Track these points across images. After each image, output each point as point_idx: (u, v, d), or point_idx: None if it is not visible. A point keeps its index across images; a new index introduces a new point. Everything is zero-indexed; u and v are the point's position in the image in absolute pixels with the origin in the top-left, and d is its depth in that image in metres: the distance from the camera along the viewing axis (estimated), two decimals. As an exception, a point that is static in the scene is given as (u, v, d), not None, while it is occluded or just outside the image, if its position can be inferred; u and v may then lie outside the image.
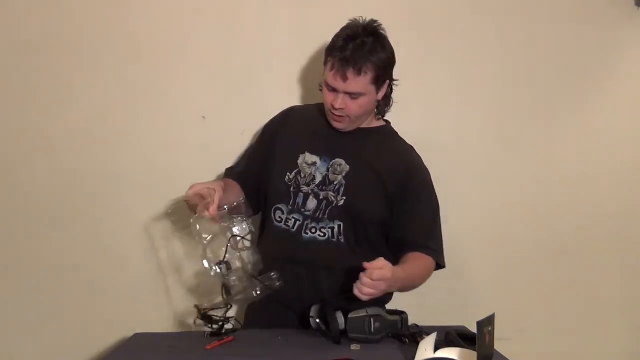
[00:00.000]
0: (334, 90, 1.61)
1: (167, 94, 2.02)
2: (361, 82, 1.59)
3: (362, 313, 1.43)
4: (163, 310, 1.98)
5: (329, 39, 1.72)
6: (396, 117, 2.01)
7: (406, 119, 2.04)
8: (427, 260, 1.64)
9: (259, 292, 1.44)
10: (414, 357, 1.22)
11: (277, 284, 1.46)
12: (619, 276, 2.09)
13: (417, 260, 1.61)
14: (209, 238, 1.47)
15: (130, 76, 2.01)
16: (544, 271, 2.07)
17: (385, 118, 1.80)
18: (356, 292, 1.38)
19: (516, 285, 2.06)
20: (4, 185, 2.02)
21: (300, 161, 1.68)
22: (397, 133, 1.80)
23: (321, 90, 1.70)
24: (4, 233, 2.02)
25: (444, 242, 1.72)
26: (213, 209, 1.45)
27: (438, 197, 1.87)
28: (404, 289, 1.60)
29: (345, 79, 1.58)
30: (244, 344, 1.48)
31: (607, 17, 2.06)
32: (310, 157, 1.68)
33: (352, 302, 1.44)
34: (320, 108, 1.76)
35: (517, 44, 2.06)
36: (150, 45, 2.01)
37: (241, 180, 1.75)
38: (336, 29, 1.75)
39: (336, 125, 1.68)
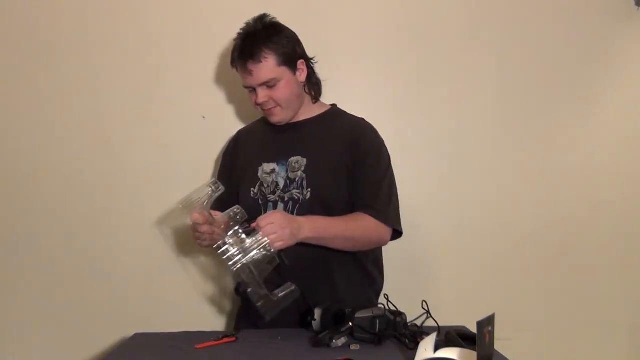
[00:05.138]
0: (251, 90, 1.66)
1: (167, 94, 2.02)
2: (266, 69, 1.62)
3: (368, 313, 1.42)
4: (163, 310, 1.99)
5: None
6: (396, 117, 2.03)
7: (406, 119, 2.05)
8: (366, 219, 1.60)
9: (276, 300, 1.42)
10: (414, 357, 1.22)
11: (293, 289, 1.44)
12: (619, 276, 2.09)
13: (353, 216, 1.60)
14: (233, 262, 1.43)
15: (131, 76, 2.02)
16: (545, 271, 2.07)
17: (361, 107, 1.81)
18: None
19: (516, 285, 2.06)
20: (5, 185, 2.02)
21: (260, 173, 1.69)
22: (345, 112, 1.80)
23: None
24: (4, 233, 2.02)
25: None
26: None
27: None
28: (331, 238, 1.57)
29: (250, 72, 1.62)
30: (243, 344, 1.47)
31: (607, 17, 2.07)
32: (267, 166, 1.70)
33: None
34: (262, 121, 1.81)
35: (517, 44, 2.06)
36: (150, 45, 2.02)
37: (221, 208, 1.75)
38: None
39: (273, 119, 1.70)
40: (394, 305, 1.49)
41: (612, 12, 2.06)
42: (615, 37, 2.07)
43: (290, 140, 1.71)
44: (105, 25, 2.02)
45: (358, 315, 1.42)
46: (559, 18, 2.07)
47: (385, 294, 1.56)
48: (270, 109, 1.67)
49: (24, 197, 2.02)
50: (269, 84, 1.63)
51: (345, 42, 2.02)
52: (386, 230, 1.65)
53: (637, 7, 2.06)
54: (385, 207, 1.65)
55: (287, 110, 1.69)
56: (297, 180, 1.64)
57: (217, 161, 1.98)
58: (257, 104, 1.68)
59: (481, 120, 2.06)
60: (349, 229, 1.60)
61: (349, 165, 1.65)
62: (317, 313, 1.51)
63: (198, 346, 1.43)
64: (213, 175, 1.97)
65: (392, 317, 1.44)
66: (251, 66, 1.61)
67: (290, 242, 1.46)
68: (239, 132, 1.87)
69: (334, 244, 1.59)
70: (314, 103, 1.77)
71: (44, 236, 2.02)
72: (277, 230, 1.43)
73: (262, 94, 1.65)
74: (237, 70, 1.68)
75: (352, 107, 1.82)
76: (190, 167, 2.00)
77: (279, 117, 1.69)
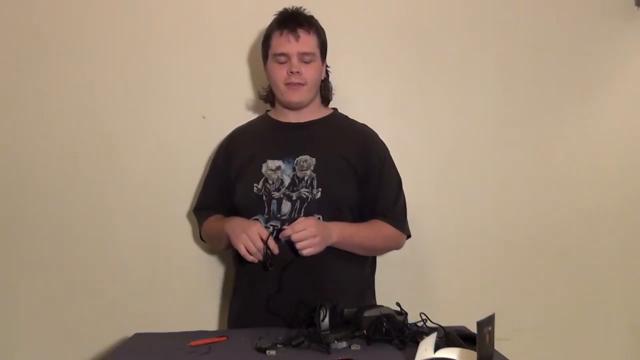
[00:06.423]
0: (285, 58, 1.66)
1: (167, 94, 2.02)
2: (312, 41, 1.66)
3: (375, 313, 1.41)
4: (163, 310, 1.98)
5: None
6: (395, 118, 2.03)
7: (406, 120, 2.05)
8: (387, 229, 1.68)
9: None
10: (414, 357, 1.22)
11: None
12: (619, 276, 2.09)
13: (375, 224, 1.67)
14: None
15: (131, 76, 2.02)
16: (545, 271, 2.07)
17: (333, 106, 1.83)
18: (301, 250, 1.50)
19: (516, 285, 2.06)
20: (5, 185, 2.02)
21: (264, 170, 1.67)
22: (347, 116, 1.81)
23: (262, 98, 1.80)
24: (3, 233, 2.02)
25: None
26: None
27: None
28: (355, 245, 1.64)
29: (297, 37, 1.64)
30: (244, 343, 1.47)
31: (607, 17, 2.07)
32: (272, 163, 1.68)
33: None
34: (262, 119, 1.81)
35: (517, 44, 2.07)
36: (150, 45, 2.02)
37: (218, 209, 1.77)
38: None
39: (292, 97, 1.69)
40: (400, 307, 1.46)
41: (612, 12, 2.06)
42: (615, 37, 2.07)
43: (297, 139, 1.70)
44: (105, 23, 2.02)
45: (366, 314, 1.40)
46: (559, 18, 2.07)
47: (397, 303, 1.49)
48: (297, 83, 1.67)
49: (24, 197, 2.02)
50: (307, 59, 1.66)
51: (343, 44, 2.01)
52: (403, 239, 1.74)
53: (637, 7, 2.06)
54: (402, 216, 1.72)
55: (310, 92, 1.70)
56: (306, 179, 1.64)
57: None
58: (288, 73, 1.66)
59: (480, 122, 2.06)
60: (372, 238, 1.67)
61: (359, 170, 1.67)
62: (323, 312, 1.46)
63: (192, 343, 1.43)
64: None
65: (397, 318, 1.42)
66: (301, 32, 1.64)
67: (320, 249, 1.52)
68: (232, 133, 1.84)
69: (355, 250, 1.65)
70: (325, 106, 1.79)
71: (44, 236, 2.01)
72: (308, 236, 1.49)
73: (297, 64, 1.65)
74: (270, 44, 1.68)
75: (353, 110, 1.83)
76: (190, 167, 1.99)
77: (301, 96, 1.69)
